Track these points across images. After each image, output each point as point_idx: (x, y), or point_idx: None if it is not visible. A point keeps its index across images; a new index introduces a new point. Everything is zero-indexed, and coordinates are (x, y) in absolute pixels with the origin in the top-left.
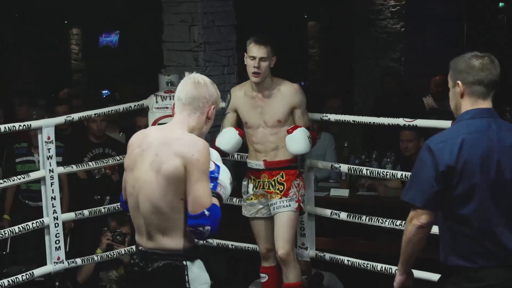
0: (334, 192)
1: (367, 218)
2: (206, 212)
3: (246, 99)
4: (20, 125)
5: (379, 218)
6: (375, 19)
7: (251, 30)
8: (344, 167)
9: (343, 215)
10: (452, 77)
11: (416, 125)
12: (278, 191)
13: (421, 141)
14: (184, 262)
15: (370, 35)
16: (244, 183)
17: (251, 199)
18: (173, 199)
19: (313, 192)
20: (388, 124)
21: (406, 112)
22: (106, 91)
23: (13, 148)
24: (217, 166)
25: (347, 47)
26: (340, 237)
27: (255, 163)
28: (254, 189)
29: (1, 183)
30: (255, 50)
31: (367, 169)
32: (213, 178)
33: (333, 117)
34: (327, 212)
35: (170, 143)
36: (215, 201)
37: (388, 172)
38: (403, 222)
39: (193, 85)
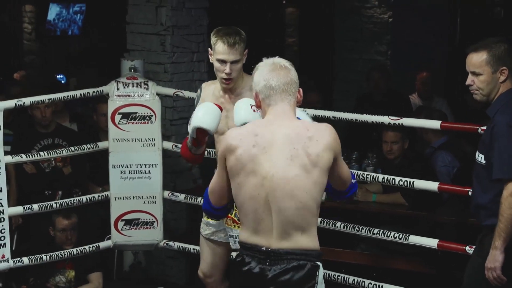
0: None
1: (343, 225)
2: (353, 180)
3: (213, 100)
4: None
5: (355, 225)
6: (360, 7)
7: (224, 14)
8: None
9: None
10: (494, 64)
11: (402, 124)
12: (235, 218)
13: (406, 143)
14: (317, 263)
15: (354, 24)
16: None
17: (208, 217)
18: (320, 190)
19: None
20: (372, 122)
21: (390, 112)
22: (62, 76)
23: None
24: None
25: (328, 37)
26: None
27: None
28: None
29: None
30: (225, 53)
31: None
32: None
33: (311, 112)
34: None
35: (311, 137)
36: None
37: (368, 175)
38: (381, 230)
39: (280, 71)
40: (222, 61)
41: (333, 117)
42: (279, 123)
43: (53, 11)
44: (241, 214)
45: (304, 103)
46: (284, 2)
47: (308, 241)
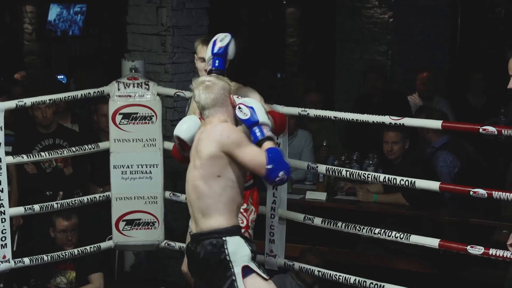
0: (310, 195)
1: (344, 225)
2: (269, 166)
3: None
4: None
5: (356, 225)
6: (360, 8)
7: (225, 14)
8: (321, 168)
9: (317, 221)
10: None
11: (403, 124)
12: None
13: (407, 143)
14: (223, 238)
15: (355, 25)
16: None
17: None
18: (211, 178)
19: (286, 194)
20: (373, 122)
21: (390, 113)
22: (62, 76)
23: None
24: (251, 109)
25: (329, 37)
26: (316, 244)
27: None
28: None
29: None
30: (203, 51)
31: (347, 171)
32: (254, 124)
33: (312, 112)
34: (300, 217)
35: (204, 138)
36: (267, 145)
37: (370, 174)
38: (383, 230)
39: (205, 91)
40: (202, 59)
41: (334, 117)
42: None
43: (53, 12)
44: None
45: (305, 103)
46: (284, 2)
47: (214, 221)
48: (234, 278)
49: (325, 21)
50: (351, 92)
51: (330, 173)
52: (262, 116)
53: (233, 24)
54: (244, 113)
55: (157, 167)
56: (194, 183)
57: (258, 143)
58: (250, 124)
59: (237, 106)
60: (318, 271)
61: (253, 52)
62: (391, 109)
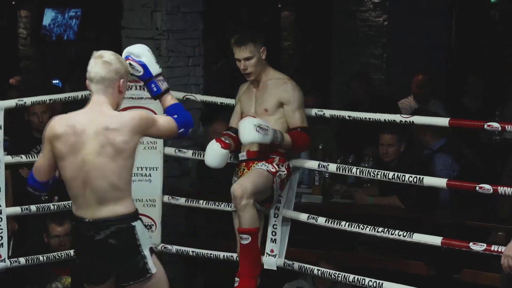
0: (306, 198)
1: (347, 224)
2: (180, 130)
3: (247, 91)
4: None
5: (360, 224)
6: (355, 11)
7: (219, 18)
8: (332, 167)
9: (321, 220)
10: None
11: (413, 121)
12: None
13: (403, 146)
14: (133, 223)
15: (350, 28)
16: (235, 178)
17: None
18: (130, 167)
19: (294, 194)
20: (384, 120)
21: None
22: (57, 81)
23: None
24: (142, 65)
25: (325, 40)
26: (314, 249)
27: (241, 154)
28: (235, 178)
29: None
30: (237, 52)
31: (357, 168)
32: (149, 78)
33: (328, 112)
34: (304, 216)
35: (116, 129)
36: (167, 100)
37: (379, 172)
38: (386, 229)
39: (99, 65)
40: (237, 60)
41: (348, 116)
42: (93, 114)
43: (48, 16)
44: (68, 191)
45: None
46: (280, 6)
47: (121, 208)
48: (146, 260)
49: (321, 24)
50: (347, 95)
51: (341, 171)
52: (154, 69)
53: (227, 28)
54: (137, 70)
55: (156, 170)
56: (103, 171)
57: (156, 97)
58: (145, 79)
59: (128, 62)
60: (318, 270)
61: None
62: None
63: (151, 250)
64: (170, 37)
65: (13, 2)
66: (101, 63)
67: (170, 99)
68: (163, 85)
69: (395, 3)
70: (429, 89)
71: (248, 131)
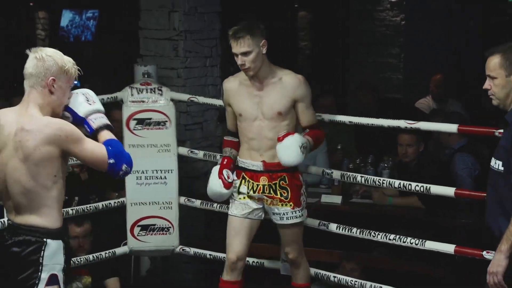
0: (325, 198)
1: (358, 231)
2: (111, 161)
3: (242, 88)
4: None
5: (371, 231)
6: (372, 11)
7: (237, 18)
8: (336, 174)
9: (332, 227)
10: (508, 67)
11: (418, 128)
12: (283, 198)
13: (421, 146)
14: (44, 239)
15: (367, 28)
16: (236, 183)
17: (244, 197)
18: (45, 179)
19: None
20: (388, 126)
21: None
22: (76, 82)
23: None
24: (69, 110)
25: (341, 40)
26: (333, 248)
27: (251, 163)
28: (252, 192)
29: None
30: (234, 46)
31: (362, 176)
32: (80, 122)
33: (327, 117)
34: (315, 222)
35: (31, 131)
36: (103, 136)
37: (384, 180)
38: (398, 236)
39: (30, 61)
40: (235, 54)
41: (349, 121)
42: (18, 113)
43: (66, 18)
44: None
45: (318, 107)
46: (296, 6)
47: (36, 219)
48: (37, 282)
49: (337, 24)
50: None
51: (345, 179)
52: (81, 109)
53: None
54: (68, 117)
55: (172, 172)
56: (17, 177)
57: (93, 136)
58: (78, 123)
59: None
60: (334, 277)
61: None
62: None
63: (53, 279)
64: (187, 38)
65: (31, 4)
66: (33, 58)
67: (107, 135)
68: (96, 123)
69: (412, 2)
70: (447, 89)
71: (295, 154)
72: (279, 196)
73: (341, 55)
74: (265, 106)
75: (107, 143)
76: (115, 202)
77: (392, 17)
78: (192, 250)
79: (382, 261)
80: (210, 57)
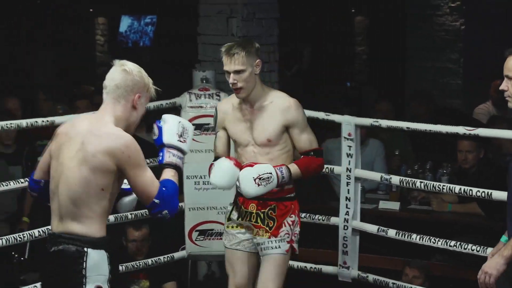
0: (383, 205)
1: (418, 237)
2: (156, 201)
3: (234, 112)
4: (43, 121)
5: (431, 237)
6: (431, 15)
7: (294, 24)
8: (395, 179)
9: (391, 233)
10: None
11: (477, 134)
12: (267, 228)
13: (482, 152)
14: (85, 249)
15: (426, 33)
16: (229, 207)
17: (233, 227)
18: (93, 189)
19: (359, 205)
20: (446, 132)
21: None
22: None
23: (35, 145)
24: (159, 128)
25: (399, 45)
26: (389, 254)
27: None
28: (240, 219)
29: (21, 183)
30: (227, 63)
31: (421, 182)
32: (160, 146)
33: (384, 123)
34: (374, 228)
35: (98, 136)
36: (166, 174)
37: (444, 186)
38: (458, 243)
39: (117, 73)
40: (227, 72)
41: (406, 127)
42: (91, 120)
43: (125, 23)
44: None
45: (375, 112)
46: (353, 11)
47: (78, 227)
48: None
49: (395, 29)
50: None
51: (404, 184)
52: (168, 137)
53: (303, 33)
54: (154, 133)
55: None
56: (69, 179)
57: (160, 167)
58: (157, 145)
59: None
60: (393, 283)
61: (321, 61)
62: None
63: None
64: None
65: (91, 10)
66: (120, 70)
67: (171, 175)
68: (169, 159)
69: (471, 7)
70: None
71: (249, 186)
72: (265, 226)
73: (398, 60)
74: (256, 132)
75: (164, 183)
76: None
77: (451, 22)
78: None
79: (446, 268)
80: (268, 63)
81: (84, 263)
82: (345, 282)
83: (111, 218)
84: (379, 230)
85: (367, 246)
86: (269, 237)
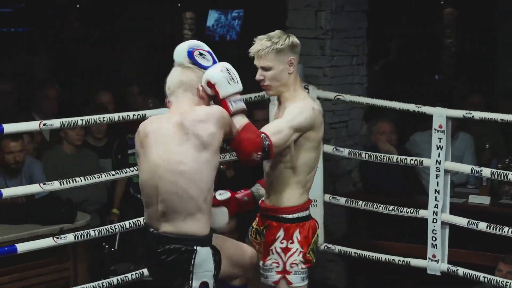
0: (473, 199)
1: (510, 230)
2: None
3: (275, 109)
4: (134, 114)
5: None
6: None
7: (384, 16)
8: (486, 171)
9: (482, 226)
10: None
11: None
12: (261, 247)
13: None
14: (195, 247)
15: None
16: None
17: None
18: (206, 177)
19: (449, 198)
20: None
21: None
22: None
23: (125, 139)
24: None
25: (489, 38)
26: (480, 249)
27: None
28: (249, 235)
29: (112, 175)
30: (256, 58)
31: None
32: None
33: (477, 114)
34: (464, 221)
35: (202, 119)
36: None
37: None
38: None
39: (181, 70)
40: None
41: (500, 119)
42: (167, 115)
43: (212, 17)
44: (142, 195)
45: (466, 105)
46: (442, 2)
47: (188, 226)
48: None
49: (485, 22)
50: None
51: (495, 177)
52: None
53: (391, 25)
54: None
55: (317, 170)
56: (175, 179)
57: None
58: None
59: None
60: (484, 277)
61: (407, 53)
62: None
63: (204, 286)
64: (334, 36)
65: (179, 5)
66: (180, 69)
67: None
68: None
69: None
70: None
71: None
72: (262, 247)
73: (489, 54)
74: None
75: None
76: None
77: None
78: (336, 248)
79: None
80: (357, 56)
81: (193, 260)
82: (434, 275)
83: None
84: (469, 223)
85: (456, 241)
86: (263, 261)
